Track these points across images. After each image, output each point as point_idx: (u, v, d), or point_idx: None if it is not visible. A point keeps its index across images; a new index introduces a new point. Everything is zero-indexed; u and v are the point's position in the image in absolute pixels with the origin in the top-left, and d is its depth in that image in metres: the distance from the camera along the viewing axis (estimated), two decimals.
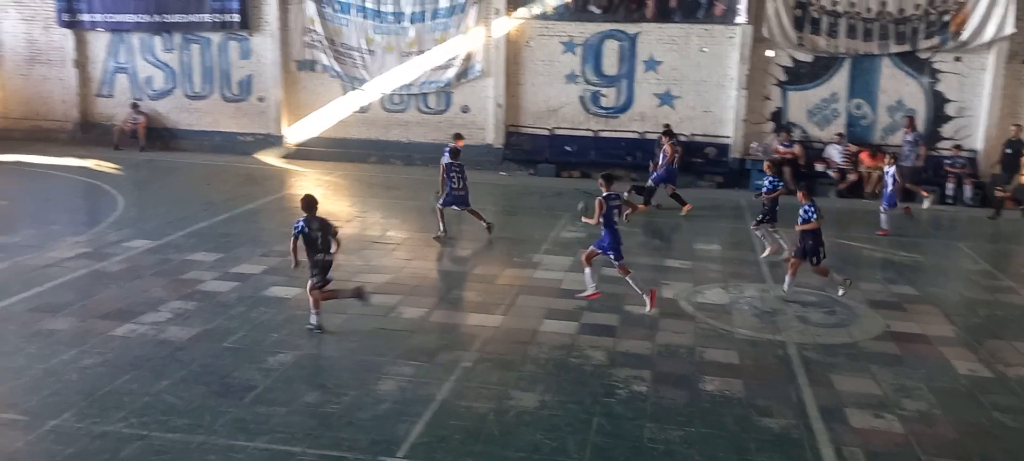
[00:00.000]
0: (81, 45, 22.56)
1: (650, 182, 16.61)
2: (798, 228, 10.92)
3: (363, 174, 19.46)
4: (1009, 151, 17.89)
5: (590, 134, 20.54)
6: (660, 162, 16.55)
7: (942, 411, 7.67)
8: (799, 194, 11.04)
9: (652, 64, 20.19)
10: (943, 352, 9.13)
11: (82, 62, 22.63)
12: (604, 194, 10.09)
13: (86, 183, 17.45)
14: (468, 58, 20.88)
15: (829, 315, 10.28)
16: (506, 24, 20.49)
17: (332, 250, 9.05)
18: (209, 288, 10.56)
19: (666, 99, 20.29)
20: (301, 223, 8.89)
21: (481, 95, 21.11)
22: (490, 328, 9.44)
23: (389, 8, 20.95)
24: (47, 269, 11.15)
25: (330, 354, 8.59)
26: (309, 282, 9.06)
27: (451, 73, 21.03)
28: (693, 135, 20.08)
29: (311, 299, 9.05)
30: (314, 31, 21.42)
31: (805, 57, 19.56)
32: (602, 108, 20.64)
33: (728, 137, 20.01)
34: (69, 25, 22.27)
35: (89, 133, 22.62)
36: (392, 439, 6.76)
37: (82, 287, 10.41)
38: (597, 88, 20.57)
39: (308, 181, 18.32)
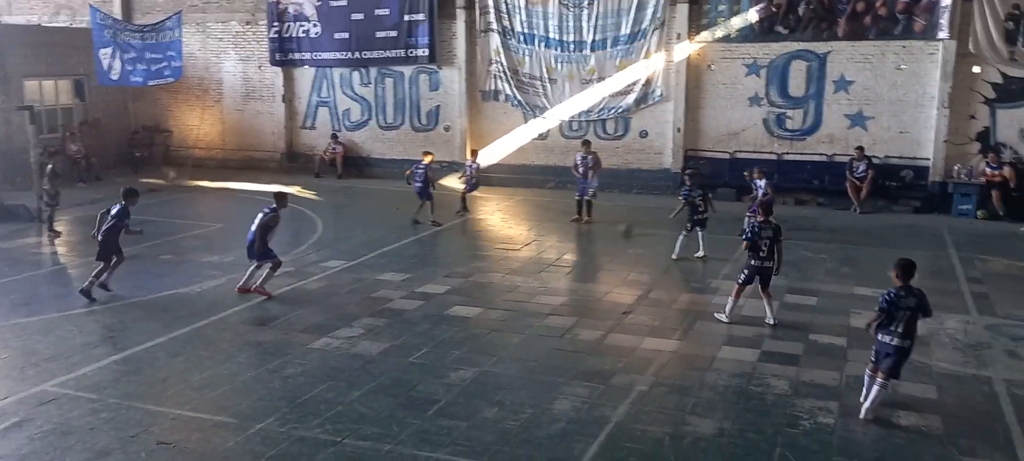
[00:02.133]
0: (289, 82, 24.55)
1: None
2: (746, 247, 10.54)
3: (541, 199, 19.84)
4: None
5: (773, 157, 19.86)
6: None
7: None
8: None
9: (843, 84, 19.28)
10: None
11: (290, 97, 24.64)
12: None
13: (290, 209, 18.84)
14: (648, 83, 20.85)
15: None
16: (687, 48, 20.29)
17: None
18: (397, 306, 11.16)
19: (858, 120, 19.28)
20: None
21: (660, 119, 20.98)
22: (666, 353, 9.36)
23: (571, 37, 21.32)
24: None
25: (508, 372, 8.83)
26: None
27: (631, 99, 21.06)
28: (887, 157, 18.95)
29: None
30: (498, 62, 22.18)
31: (1017, 73, 17.95)
32: (787, 131, 19.92)
33: (927, 159, 18.70)
34: (280, 64, 24.33)
35: (294, 162, 24.53)
36: (568, 459, 6.86)
37: (286, 302, 11.30)
38: (782, 110, 19.89)
39: (488, 206, 18.91)
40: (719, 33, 20.11)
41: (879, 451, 6.98)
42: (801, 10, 19.27)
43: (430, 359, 9.14)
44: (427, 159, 17.11)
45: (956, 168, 18.30)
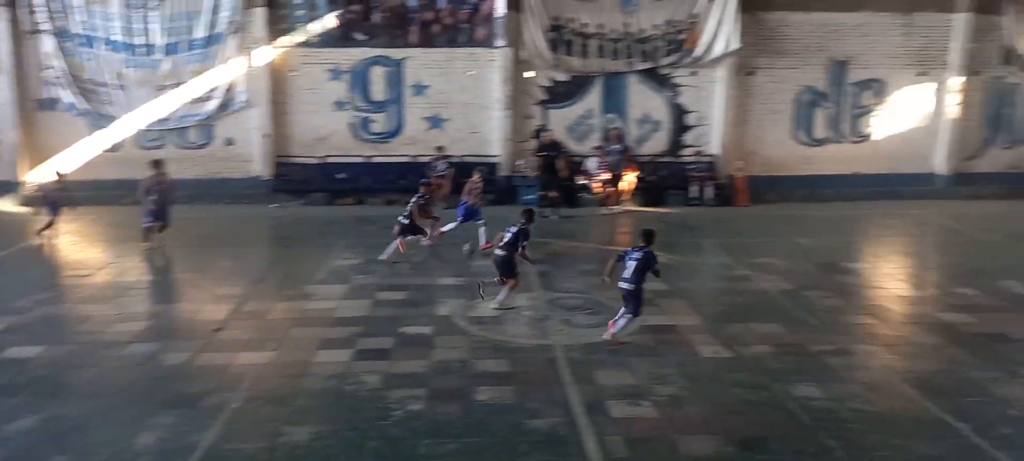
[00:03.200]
0: None
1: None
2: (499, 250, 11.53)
3: (116, 217, 18.04)
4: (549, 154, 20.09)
5: (362, 160, 20.45)
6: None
7: (690, 393, 8.41)
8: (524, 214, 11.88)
9: (420, 89, 20.49)
10: (690, 339, 10.02)
11: None
12: None
13: None
14: (230, 89, 20.10)
15: (592, 316, 10.91)
16: (268, 53, 19.97)
17: None
18: None
19: (436, 122, 20.65)
20: None
21: (245, 126, 20.37)
22: (260, 365, 9.14)
23: (140, 40, 19.73)
24: None
25: (81, 412, 7.92)
26: None
27: (212, 105, 20.13)
28: (464, 156, 20.56)
29: None
30: (54, 67, 19.72)
31: (562, 77, 20.69)
32: (373, 134, 20.65)
33: (496, 156, 20.70)
34: None
35: None
36: None
37: None
38: (367, 114, 20.56)
39: (52, 229, 16.74)
40: (299, 38, 20.13)
41: (462, 427, 7.56)
42: (376, 17, 20.09)
43: None
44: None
45: (518, 162, 20.51)
